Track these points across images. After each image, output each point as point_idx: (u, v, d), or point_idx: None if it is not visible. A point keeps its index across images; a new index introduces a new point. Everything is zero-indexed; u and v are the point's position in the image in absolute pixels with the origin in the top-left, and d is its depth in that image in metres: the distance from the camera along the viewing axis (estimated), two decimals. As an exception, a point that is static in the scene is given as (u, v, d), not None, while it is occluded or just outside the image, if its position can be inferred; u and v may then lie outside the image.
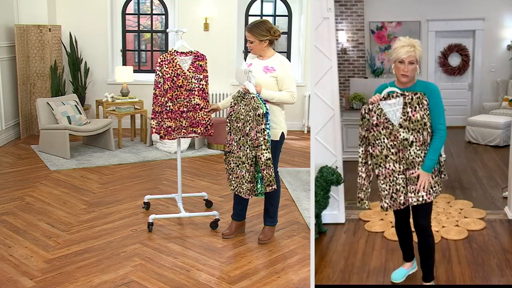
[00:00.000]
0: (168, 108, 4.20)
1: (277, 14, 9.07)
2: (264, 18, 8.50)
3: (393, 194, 2.95)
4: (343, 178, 3.77)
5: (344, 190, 3.93)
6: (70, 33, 8.18)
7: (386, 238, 3.77)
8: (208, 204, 4.90)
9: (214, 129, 4.40)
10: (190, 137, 4.39)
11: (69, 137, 6.55)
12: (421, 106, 2.87)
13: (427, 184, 2.90)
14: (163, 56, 4.21)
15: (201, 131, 4.33)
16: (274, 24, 7.72)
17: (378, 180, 2.97)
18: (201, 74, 4.29)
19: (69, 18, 8.32)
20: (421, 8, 5.92)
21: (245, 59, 8.37)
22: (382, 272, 3.33)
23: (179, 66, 4.22)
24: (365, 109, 2.94)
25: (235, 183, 3.92)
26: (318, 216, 3.78)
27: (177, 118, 4.25)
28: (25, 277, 3.47)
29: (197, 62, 4.29)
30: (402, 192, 2.94)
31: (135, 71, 8.39)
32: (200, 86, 4.29)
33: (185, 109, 4.25)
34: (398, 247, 3.31)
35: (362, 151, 2.98)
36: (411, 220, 3.11)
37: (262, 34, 3.86)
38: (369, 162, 2.98)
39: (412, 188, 2.93)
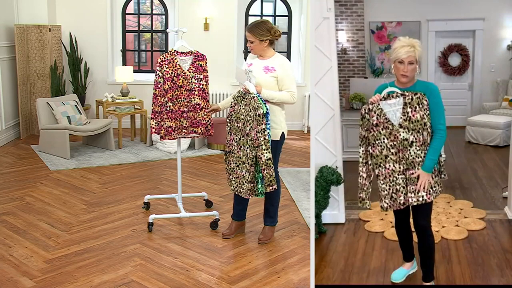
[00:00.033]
0: (168, 108, 4.20)
1: (277, 14, 9.07)
2: (264, 18, 8.50)
3: (393, 194, 2.95)
4: (343, 178, 3.78)
5: (344, 190, 3.93)
6: (70, 33, 8.18)
7: (386, 238, 3.77)
8: (208, 204, 4.90)
9: (214, 129, 4.40)
10: (190, 137, 4.39)
11: (69, 137, 6.55)
12: (421, 106, 2.87)
13: (427, 184, 2.90)
14: (163, 56, 4.21)
15: (201, 131, 4.33)
16: (274, 24, 7.71)
17: (378, 180, 2.97)
18: (201, 74, 4.29)
19: (69, 18, 8.32)
20: (421, 8, 5.92)
21: (245, 59, 8.38)
22: (382, 272, 3.34)
23: (179, 66, 4.22)
24: (365, 109, 2.94)
25: (235, 183, 3.92)
26: (318, 216, 3.78)
27: (178, 118, 4.25)
28: (25, 277, 3.47)
29: (197, 62, 4.29)
30: (402, 192, 2.94)
31: (135, 71, 8.39)
32: (200, 86, 4.29)
33: (185, 109, 4.25)
34: (398, 247, 3.31)
35: (363, 151, 2.98)
36: (411, 220, 3.11)
37: (263, 34, 3.86)
38: (369, 162, 2.98)
39: (412, 188, 2.93)
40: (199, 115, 4.30)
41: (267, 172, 3.70)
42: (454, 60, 6.13)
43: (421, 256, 3.09)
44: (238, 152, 3.87)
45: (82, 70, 8.30)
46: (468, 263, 3.38)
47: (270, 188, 3.74)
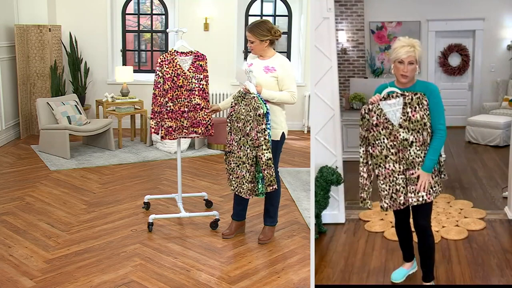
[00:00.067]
0: (168, 108, 4.20)
1: (277, 14, 9.07)
2: (264, 18, 8.50)
3: (393, 194, 2.95)
4: (343, 178, 3.78)
5: (344, 190, 3.93)
6: (70, 33, 8.18)
7: (386, 238, 3.77)
8: (208, 204, 4.90)
9: (214, 129, 4.40)
10: (191, 137, 4.39)
11: (69, 137, 6.55)
12: (421, 106, 2.86)
13: (427, 184, 2.90)
14: (163, 56, 4.21)
15: (201, 131, 4.33)
16: (274, 24, 7.72)
17: (378, 180, 2.97)
18: (201, 74, 4.29)
19: (69, 18, 8.32)
20: (421, 8, 5.92)
21: (245, 59, 8.38)
22: (382, 272, 3.34)
23: (179, 66, 4.22)
24: (365, 109, 2.94)
25: (235, 183, 3.92)
26: (318, 216, 3.78)
27: (178, 118, 4.25)
28: (25, 277, 3.47)
29: (197, 62, 4.29)
30: (402, 192, 2.94)
31: (135, 71, 8.39)
32: (201, 86, 4.29)
33: (186, 109, 4.25)
34: (398, 247, 3.31)
35: (363, 151, 2.98)
36: (411, 220, 3.11)
37: (263, 34, 3.86)
38: (369, 162, 2.98)
39: (412, 188, 2.93)
40: (199, 115, 4.30)
41: (267, 172, 3.70)
42: (454, 60, 6.13)
43: (421, 256, 3.09)
44: (238, 152, 3.87)
45: (82, 70, 8.30)
46: (468, 263, 3.38)
47: (271, 188, 3.74)
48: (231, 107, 3.94)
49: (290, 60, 8.24)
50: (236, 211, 4.23)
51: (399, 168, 2.93)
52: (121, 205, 4.92)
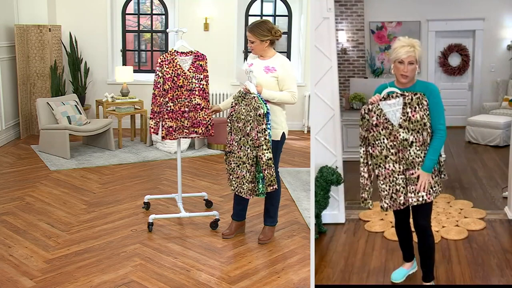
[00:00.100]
0: (169, 108, 4.20)
1: (277, 14, 9.07)
2: (264, 18, 8.50)
3: (393, 195, 2.95)
4: (343, 178, 3.78)
5: (344, 190, 3.93)
6: (70, 33, 8.18)
7: (386, 238, 3.77)
8: (208, 204, 4.91)
9: (214, 129, 4.40)
10: (191, 137, 4.39)
11: (69, 137, 6.55)
12: (421, 106, 2.86)
13: (427, 184, 2.90)
14: (163, 56, 4.21)
15: (202, 131, 4.33)
16: (274, 24, 7.72)
17: (378, 181, 2.97)
18: (201, 74, 4.29)
19: (69, 18, 8.32)
20: (421, 8, 5.92)
21: (245, 59, 8.38)
22: (382, 272, 3.34)
23: (180, 66, 4.22)
24: (364, 110, 2.94)
25: (235, 183, 3.92)
26: (318, 216, 3.78)
27: (178, 118, 4.25)
28: (25, 277, 3.47)
29: (198, 62, 4.29)
30: (402, 192, 2.94)
31: (135, 71, 8.39)
32: (201, 86, 4.29)
33: (186, 109, 4.26)
34: (398, 247, 3.31)
35: (363, 151, 2.98)
36: (411, 220, 3.11)
37: (263, 34, 3.86)
38: (369, 163, 2.98)
39: (412, 188, 2.93)
40: (199, 115, 4.30)
41: (268, 172, 3.70)
42: (454, 60, 6.13)
43: (421, 256, 3.09)
44: (238, 152, 3.87)
45: (82, 70, 8.30)
46: (468, 263, 3.38)
47: (271, 188, 3.74)
48: (232, 107, 3.94)
49: (290, 60, 8.26)
50: (236, 211, 4.23)
51: (399, 168, 2.93)
52: (121, 205, 4.92)
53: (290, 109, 7.52)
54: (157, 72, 4.20)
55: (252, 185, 3.80)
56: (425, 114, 2.86)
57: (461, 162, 5.37)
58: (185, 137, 4.37)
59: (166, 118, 4.21)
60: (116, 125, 7.75)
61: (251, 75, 3.78)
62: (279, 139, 3.93)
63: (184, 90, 4.23)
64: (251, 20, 8.56)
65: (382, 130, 2.92)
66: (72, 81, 8.14)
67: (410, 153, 2.90)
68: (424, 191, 2.91)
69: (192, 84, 4.26)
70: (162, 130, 4.24)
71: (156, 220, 4.46)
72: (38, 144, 7.03)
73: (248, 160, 3.78)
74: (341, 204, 3.97)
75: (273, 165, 3.71)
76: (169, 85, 4.17)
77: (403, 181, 2.94)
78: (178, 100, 4.22)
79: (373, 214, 4.08)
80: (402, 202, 2.95)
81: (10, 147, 7.10)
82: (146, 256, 3.83)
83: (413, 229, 3.13)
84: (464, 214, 4.07)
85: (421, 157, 2.89)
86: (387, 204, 2.97)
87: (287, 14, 8.79)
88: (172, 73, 4.18)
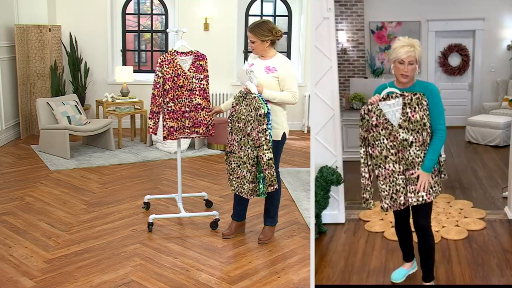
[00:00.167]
0: (170, 109, 4.20)
1: (277, 14, 9.07)
2: (264, 18, 8.49)
3: (393, 195, 2.95)
4: (343, 178, 3.78)
5: (344, 190, 3.93)
6: (70, 33, 8.18)
7: (386, 238, 3.77)
8: (208, 204, 4.91)
9: (214, 129, 4.40)
10: (192, 137, 4.39)
11: (69, 137, 6.55)
12: (420, 106, 2.86)
13: (427, 184, 2.90)
14: (163, 56, 4.21)
15: (203, 131, 4.33)
16: (275, 24, 7.72)
17: (378, 181, 2.97)
18: (201, 74, 4.29)
19: (69, 18, 8.32)
20: (421, 8, 5.92)
21: (245, 59, 8.38)
22: (382, 272, 3.34)
23: (180, 66, 4.22)
24: (364, 110, 2.94)
25: (236, 184, 3.92)
26: (318, 216, 3.78)
27: (179, 118, 4.25)
28: (25, 277, 3.47)
29: (198, 62, 4.29)
30: (402, 193, 2.94)
31: (135, 71, 8.39)
32: (201, 86, 4.29)
33: (187, 109, 4.26)
34: (398, 247, 3.31)
35: (364, 151, 2.98)
36: (411, 220, 3.11)
37: (264, 34, 3.86)
38: (369, 163, 2.98)
39: (412, 188, 2.93)
40: (200, 115, 4.30)
41: (268, 172, 3.70)
42: (454, 60, 6.13)
43: (421, 256, 3.09)
44: (239, 152, 3.87)
45: (82, 70, 8.30)
46: (468, 263, 3.38)
47: (272, 188, 3.74)
48: (232, 107, 3.94)
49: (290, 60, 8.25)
50: (236, 211, 4.23)
51: (399, 168, 2.93)
52: (121, 205, 4.92)
53: (290, 109, 7.51)
54: (157, 72, 4.20)
55: (253, 185, 3.80)
56: (424, 114, 2.86)
57: (461, 162, 5.37)
58: (186, 137, 4.37)
59: (167, 118, 4.21)
60: (116, 125, 7.75)
61: (252, 75, 3.78)
62: (280, 139, 3.93)
63: (185, 90, 4.23)
64: (251, 20, 8.57)
65: (381, 130, 2.92)
66: (72, 81, 8.14)
67: (410, 153, 2.90)
68: (424, 191, 2.91)
69: (193, 84, 4.26)
70: (163, 131, 4.25)
71: (156, 220, 4.46)
72: (38, 144, 7.03)
73: (248, 160, 3.78)
74: (341, 204, 3.97)
75: (273, 165, 3.71)
76: (169, 85, 4.17)
77: (403, 181, 2.94)
78: (179, 100, 4.22)
79: (373, 214, 4.08)
80: (402, 202, 2.95)
81: (10, 147, 7.10)
82: (146, 256, 3.83)
83: (413, 229, 3.13)
84: (464, 214, 4.07)
85: (421, 157, 2.89)
86: (388, 204, 2.97)
87: (287, 14, 8.79)
88: (172, 73, 4.18)
